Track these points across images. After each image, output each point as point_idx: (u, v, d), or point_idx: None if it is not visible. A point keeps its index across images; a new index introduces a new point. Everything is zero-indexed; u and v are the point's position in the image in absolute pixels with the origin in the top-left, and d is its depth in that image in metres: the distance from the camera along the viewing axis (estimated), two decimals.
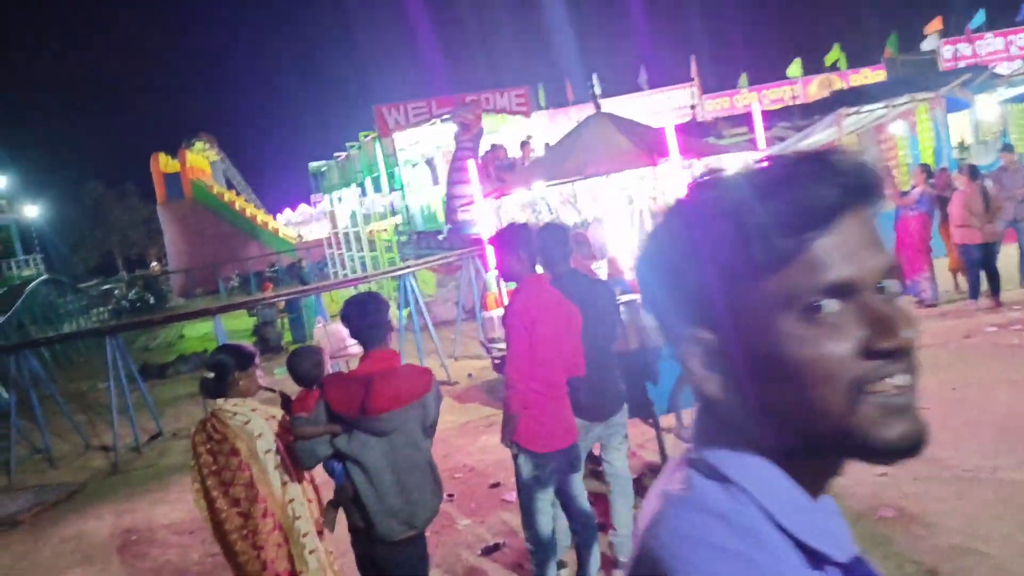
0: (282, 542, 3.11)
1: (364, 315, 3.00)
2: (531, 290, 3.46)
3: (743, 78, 27.79)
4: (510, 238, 3.54)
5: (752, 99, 25.16)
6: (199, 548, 5.49)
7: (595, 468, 4.94)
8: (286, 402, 3.23)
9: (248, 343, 3.52)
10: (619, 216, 8.85)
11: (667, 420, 5.34)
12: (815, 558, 0.68)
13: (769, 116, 13.92)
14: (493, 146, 14.60)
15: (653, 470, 5.20)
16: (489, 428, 7.13)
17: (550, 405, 3.44)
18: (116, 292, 30.15)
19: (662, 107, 24.57)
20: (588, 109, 23.35)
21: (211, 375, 3.16)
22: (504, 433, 3.50)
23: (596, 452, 4.66)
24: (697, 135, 12.99)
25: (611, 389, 3.83)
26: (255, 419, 3.11)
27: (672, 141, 7.15)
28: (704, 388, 0.72)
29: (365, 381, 2.89)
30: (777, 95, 26.83)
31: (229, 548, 3.15)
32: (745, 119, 13.69)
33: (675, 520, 0.68)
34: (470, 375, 9.53)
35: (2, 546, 6.30)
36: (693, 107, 23.54)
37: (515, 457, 3.52)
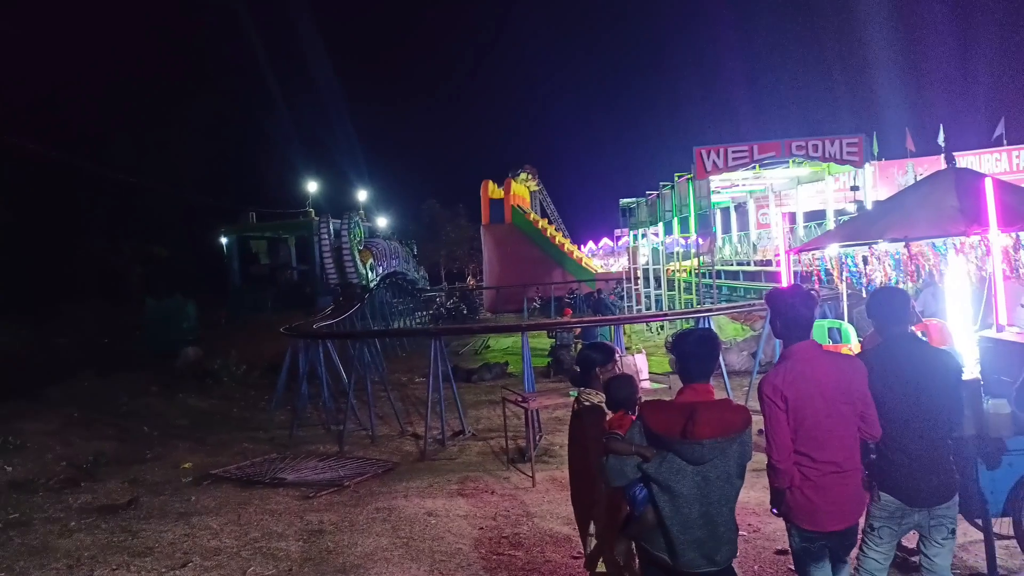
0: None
1: (702, 351, 3.05)
2: (788, 363, 3.26)
3: None
4: (770, 300, 3.43)
5: None
6: (487, 545, 5.94)
7: (906, 559, 4.45)
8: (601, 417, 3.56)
9: (608, 342, 3.92)
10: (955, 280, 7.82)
11: (999, 524, 4.61)
12: None
13: None
14: None
15: None
16: None
17: (820, 482, 3.19)
18: (437, 299, 33.89)
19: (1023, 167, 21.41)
20: (928, 163, 21.12)
21: (578, 368, 3.70)
22: (771, 501, 3.39)
23: (905, 543, 4.20)
24: None
25: (940, 474, 3.34)
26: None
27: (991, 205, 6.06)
28: None
29: (687, 409, 2.90)
30: None
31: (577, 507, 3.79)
32: None
33: None
34: (760, 431, 9.10)
35: (330, 505, 7.38)
36: None
37: (787, 528, 3.38)
